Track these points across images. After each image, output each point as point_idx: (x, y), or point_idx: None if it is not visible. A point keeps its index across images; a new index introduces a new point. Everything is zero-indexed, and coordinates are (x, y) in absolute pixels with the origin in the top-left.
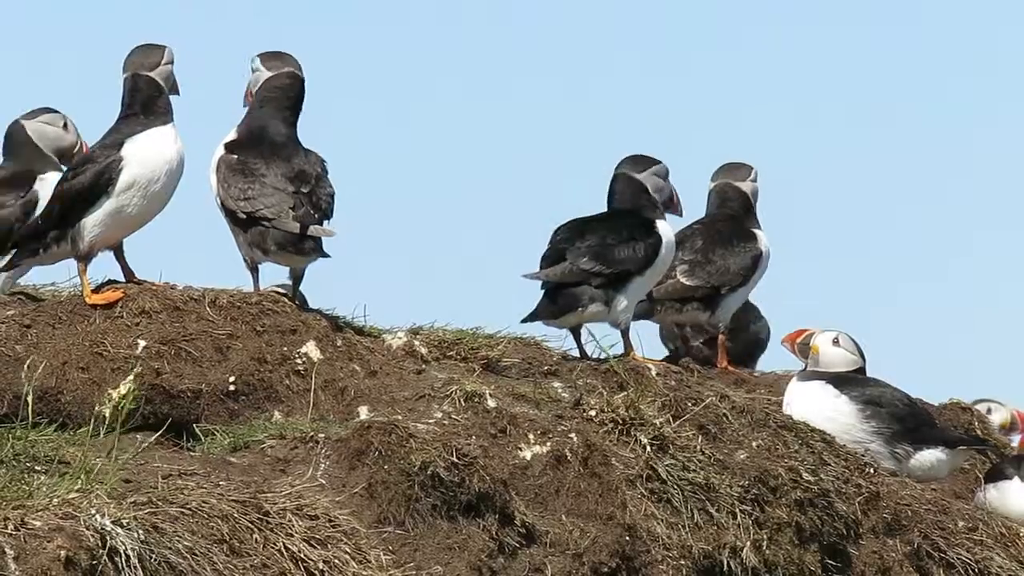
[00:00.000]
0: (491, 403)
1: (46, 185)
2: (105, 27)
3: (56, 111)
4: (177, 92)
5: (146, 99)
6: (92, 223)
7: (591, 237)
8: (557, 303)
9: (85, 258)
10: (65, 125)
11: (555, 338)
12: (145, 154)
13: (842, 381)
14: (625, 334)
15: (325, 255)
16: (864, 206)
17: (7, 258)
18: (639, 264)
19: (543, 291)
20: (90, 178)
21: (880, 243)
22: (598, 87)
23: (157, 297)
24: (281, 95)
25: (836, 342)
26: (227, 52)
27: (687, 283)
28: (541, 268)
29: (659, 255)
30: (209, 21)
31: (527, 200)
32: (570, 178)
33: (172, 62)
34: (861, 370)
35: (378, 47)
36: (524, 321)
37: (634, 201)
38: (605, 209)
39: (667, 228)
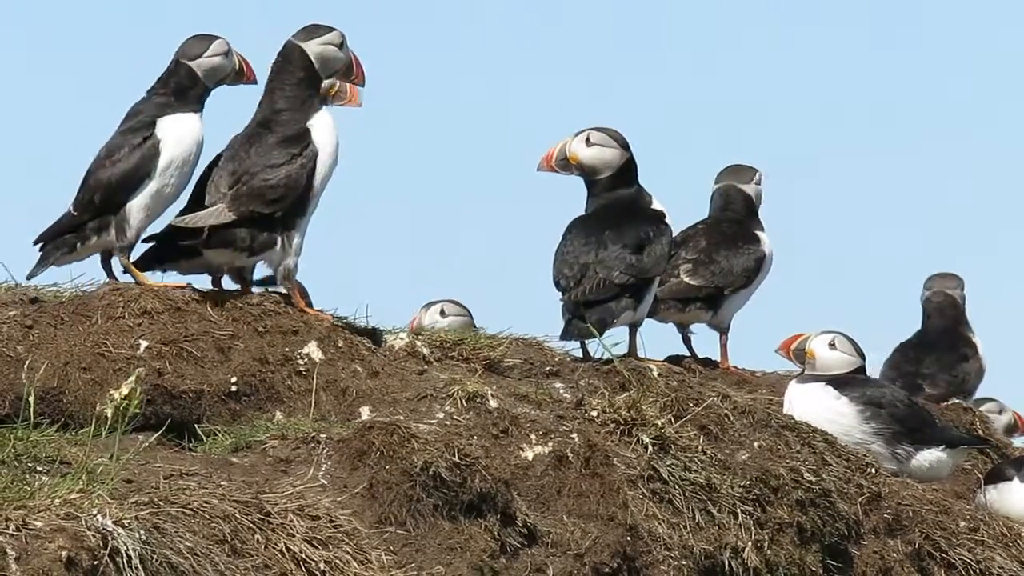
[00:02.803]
0: (493, 404)
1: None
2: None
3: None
4: (253, 81)
5: (178, 87)
6: (138, 206)
7: (614, 247)
8: (594, 318)
9: (129, 248)
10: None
11: (556, 339)
12: (178, 133)
13: (842, 382)
14: (636, 332)
15: (220, 247)
16: (864, 206)
17: (35, 262)
18: (665, 264)
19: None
20: (136, 160)
21: (880, 243)
22: (600, 87)
23: (159, 297)
24: (273, 69)
25: (832, 345)
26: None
27: (691, 282)
28: (558, 277)
29: (672, 245)
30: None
31: (528, 199)
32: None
33: (223, 54)
34: (861, 369)
35: (377, 46)
36: (562, 339)
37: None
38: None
39: (664, 210)
